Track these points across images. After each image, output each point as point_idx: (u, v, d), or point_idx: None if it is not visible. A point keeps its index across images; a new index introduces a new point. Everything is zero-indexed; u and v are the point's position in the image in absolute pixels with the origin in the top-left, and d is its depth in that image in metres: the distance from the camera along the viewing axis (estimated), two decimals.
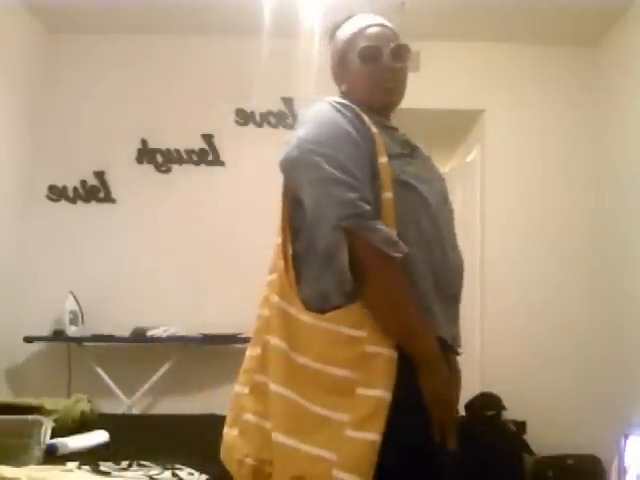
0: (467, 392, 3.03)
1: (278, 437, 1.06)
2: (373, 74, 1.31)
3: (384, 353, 1.06)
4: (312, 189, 1.14)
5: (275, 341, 1.12)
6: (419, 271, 1.14)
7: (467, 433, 2.94)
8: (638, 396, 3.02)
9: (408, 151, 1.25)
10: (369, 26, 1.33)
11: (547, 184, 3.53)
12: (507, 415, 3.11)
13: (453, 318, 1.22)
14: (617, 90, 3.42)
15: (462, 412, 3.07)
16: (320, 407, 1.07)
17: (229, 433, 1.17)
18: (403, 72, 1.35)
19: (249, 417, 1.14)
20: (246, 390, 1.17)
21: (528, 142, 3.57)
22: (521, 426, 3.09)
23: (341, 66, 1.36)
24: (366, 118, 1.20)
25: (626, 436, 2.78)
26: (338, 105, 1.20)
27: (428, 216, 1.18)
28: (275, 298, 1.16)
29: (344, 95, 1.35)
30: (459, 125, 3.91)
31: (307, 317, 1.11)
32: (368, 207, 1.09)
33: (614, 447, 2.85)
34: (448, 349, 1.18)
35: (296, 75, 3.40)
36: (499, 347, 3.32)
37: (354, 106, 1.21)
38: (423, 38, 3.26)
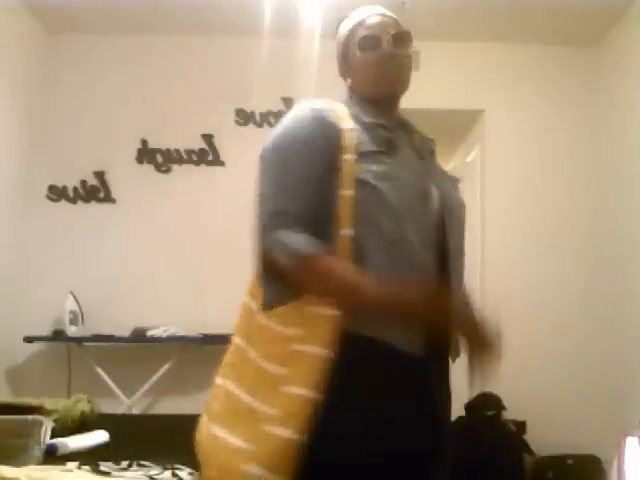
0: (468, 392, 3.02)
1: (211, 427, 1.13)
2: (373, 62, 1.30)
3: (310, 352, 1.08)
4: (257, 197, 1.23)
5: (237, 339, 1.19)
6: (377, 269, 1.13)
7: (467, 433, 2.95)
8: (638, 396, 3.02)
9: (384, 148, 1.20)
10: (369, 16, 1.34)
11: (547, 184, 3.53)
12: (507, 415, 3.11)
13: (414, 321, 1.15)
14: (617, 90, 3.42)
15: (462, 412, 3.07)
16: (255, 402, 1.11)
17: (201, 419, 1.22)
18: (405, 59, 1.33)
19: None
20: (219, 381, 1.25)
21: (528, 142, 3.57)
22: (521, 426, 3.10)
23: (344, 60, 1.37)
24: (337, 116, 1.20)
25: (626, 436, 2.78)
26: (310, 106, 1.22)
27: (389, 216, 1.15)
28: (246, 297, 1.23)
29: (350, 90, 1.36)
30: (459, 125, 3.91)
31: (260, 315, 1.17)
32: (280, 219, 1.15)
33: (614, 447, 2.85)
34: (398, 355, 1.11)
35: (296, 75, 3.40)
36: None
37: (325, 107, 1.22)
38: (423, 38, 3.23)
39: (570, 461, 3.08)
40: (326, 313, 1.12)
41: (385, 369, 1.11)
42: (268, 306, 1.16)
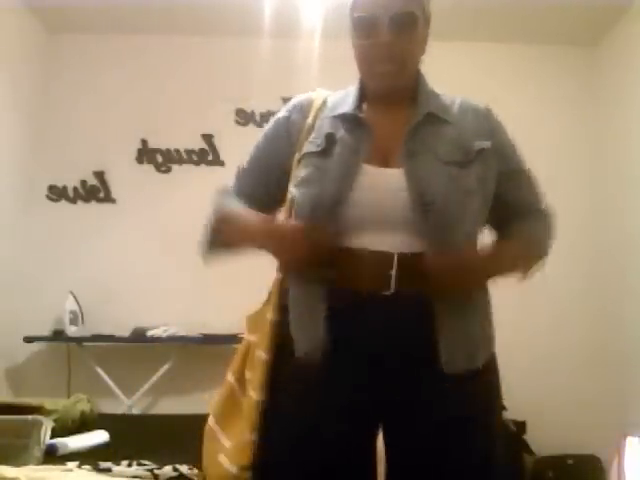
0: None
1: (210, 418, 1.20)
2: (367, 52, 1.15)
3: (260, 357, 1.14)
4: None
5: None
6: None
7: None
8: (638, 396, 3.02)
9: (322, 148, 1.14)
10: None
11: (546, 184, 3.52)
12: (507, 415, 3.11)
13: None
14: (617, 90, 3.42)
15: None
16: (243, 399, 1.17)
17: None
18: (406, 46, 1.15)
19: None
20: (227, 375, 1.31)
21: (528, 142, 3.56)
22: (521, 426, 3.09)
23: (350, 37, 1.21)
24: (306, 109, 1.22)
25: (626, 436, 2.78)
26: (295, 99, 1.27)
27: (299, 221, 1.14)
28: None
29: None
30: None
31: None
32: (220, 193, 1.31)
33: (614, 447, 2.85)
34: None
35: (296, 75, 3.40)
36: (499, 347, 3.31)
37: (303, 100, 1.25)
38: None
39: (570, 461, 3.08)
40: (269, 317, 1.16)
41: (291, 372, 1.13)
42: (204, 260, 1.29)
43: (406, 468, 1.09)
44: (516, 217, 1.24)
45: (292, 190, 1.16)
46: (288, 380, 1.12)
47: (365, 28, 1.13)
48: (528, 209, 1.27)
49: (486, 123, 1.24)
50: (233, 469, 1.11)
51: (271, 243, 1.13)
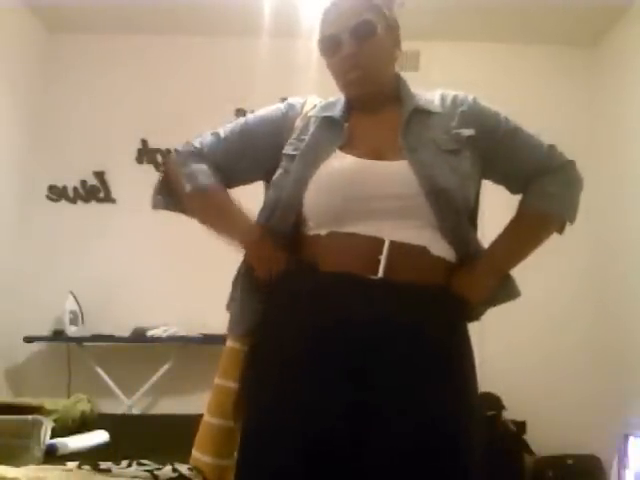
0: None
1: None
2: (337, 67, 1.21)
3: (238, 346, 1.29)
4: None
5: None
6: None
7: None
8: (638, 396, 3.02)
9: (297, 152, 1.18)
10: (325, 12, 1.25)
11: None
12: (507, 415, 3.11)
13: None
14: (617, 90, 3.42)
15: None
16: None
17: None
18: (370, 52, 1.17)
19: None
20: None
21: None
22: (521, 426, 3.09)
23: None
24: (299, 110, 1.26)
25: (626, 436, 2.78)
26: (291, 99, 1.31)
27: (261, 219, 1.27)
28: None
29: None
30: None
31: None
32: (196, 146, 1.32)
33: (614, 447, 2.85)
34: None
35: (296, 75, 3.40)
36: (499, 347, 3.32)
37: (297, 102, 1.29)
38: (423, 38, 3.26)
39: (570, 461, 3.08)
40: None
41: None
42: (153, 206, 1.29)
43: (383, 467, 1.00)
44: (533, 179, 1.32)
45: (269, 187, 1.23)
46: (271, 370, 1.10)
47: (331, 47, 1.21)
48: (540, 167, 1.33)
49: (466, 108, 1.28)
50: (206, 459, 1.20)
51: (257, 262, 1.22)
